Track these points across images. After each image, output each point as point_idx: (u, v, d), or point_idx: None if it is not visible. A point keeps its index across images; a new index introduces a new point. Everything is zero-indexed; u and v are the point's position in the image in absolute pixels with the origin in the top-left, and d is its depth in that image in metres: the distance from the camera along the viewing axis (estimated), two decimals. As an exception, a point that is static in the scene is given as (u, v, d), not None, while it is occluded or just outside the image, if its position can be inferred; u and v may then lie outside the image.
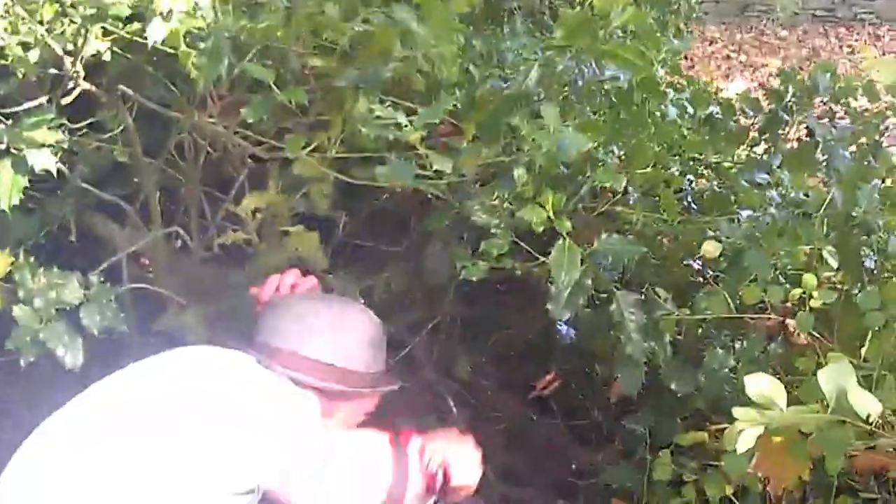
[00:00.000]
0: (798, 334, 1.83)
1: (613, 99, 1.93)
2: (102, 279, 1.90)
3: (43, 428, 1.45)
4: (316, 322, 1.58)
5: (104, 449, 1.38)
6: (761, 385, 1.30)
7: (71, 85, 1.79)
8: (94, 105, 1.98)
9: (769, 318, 1.88)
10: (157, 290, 2.10)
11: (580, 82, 1.79)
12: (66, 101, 1.83)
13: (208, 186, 2.27)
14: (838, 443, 1.39)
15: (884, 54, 8.16)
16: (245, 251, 2.25)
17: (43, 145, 1.73)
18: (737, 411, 1.29)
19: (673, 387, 1.90)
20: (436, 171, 1.75)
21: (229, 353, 1.54)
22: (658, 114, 2.07)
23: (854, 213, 1.96)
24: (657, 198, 2.02)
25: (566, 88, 1.84)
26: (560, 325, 2.34)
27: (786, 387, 1.69)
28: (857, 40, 8.89)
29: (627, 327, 1.82)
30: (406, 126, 1.71)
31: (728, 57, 8.45)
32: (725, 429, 1.63)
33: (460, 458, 1.59)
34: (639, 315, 1.83)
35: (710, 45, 8.59)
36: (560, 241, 1.75)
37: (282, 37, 1.72)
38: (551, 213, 1.76)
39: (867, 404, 1.24)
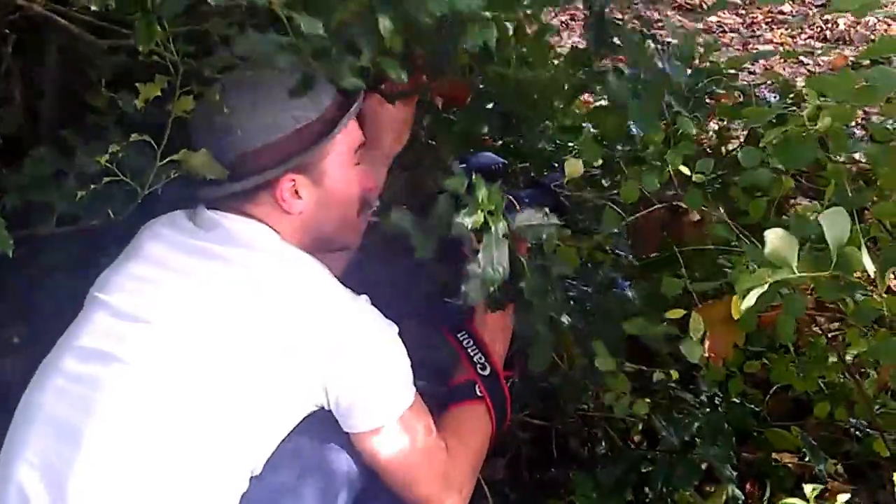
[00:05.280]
0: (690, 214, 1.76)
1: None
2: None
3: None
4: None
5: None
6: (777, 241, 1.20)
7: None
8: None
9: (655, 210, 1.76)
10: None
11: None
12: None
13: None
14: (800, 306, 1.42)
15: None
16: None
17: None
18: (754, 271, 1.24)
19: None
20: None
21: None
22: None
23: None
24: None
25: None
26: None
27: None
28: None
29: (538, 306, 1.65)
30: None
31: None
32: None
33: None
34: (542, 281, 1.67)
35: None
36: (490, 232, 1.59)
37: None
38: (486, 213, 1.58)
39: (868, 260, 1.20)
